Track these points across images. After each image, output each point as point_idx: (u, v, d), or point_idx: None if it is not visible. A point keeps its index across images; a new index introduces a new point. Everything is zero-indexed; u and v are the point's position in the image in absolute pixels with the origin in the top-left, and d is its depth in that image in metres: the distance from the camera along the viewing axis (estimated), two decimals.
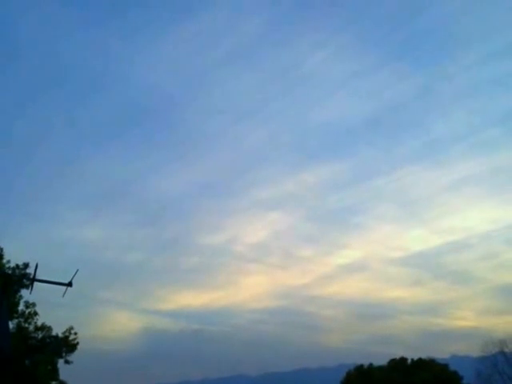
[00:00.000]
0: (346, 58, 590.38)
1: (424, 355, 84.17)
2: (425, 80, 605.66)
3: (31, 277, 20.63)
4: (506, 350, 67.51)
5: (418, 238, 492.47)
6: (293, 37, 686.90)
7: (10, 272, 38.55)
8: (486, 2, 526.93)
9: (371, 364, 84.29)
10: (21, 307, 40.95)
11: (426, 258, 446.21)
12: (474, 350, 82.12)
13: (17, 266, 39.90)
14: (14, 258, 40.17)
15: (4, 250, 39.84)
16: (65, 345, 42.36)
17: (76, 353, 42.95)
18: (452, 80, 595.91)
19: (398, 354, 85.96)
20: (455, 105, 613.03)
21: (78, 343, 42.91)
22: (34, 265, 19.85)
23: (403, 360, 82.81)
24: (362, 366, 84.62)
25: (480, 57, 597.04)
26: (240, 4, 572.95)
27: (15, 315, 40.19)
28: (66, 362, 42.67)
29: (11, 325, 38.60)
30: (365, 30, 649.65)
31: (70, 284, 20.70)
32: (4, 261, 39.65)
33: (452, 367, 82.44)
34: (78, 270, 20.67)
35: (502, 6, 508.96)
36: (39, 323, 42.05)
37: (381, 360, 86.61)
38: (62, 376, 43.13)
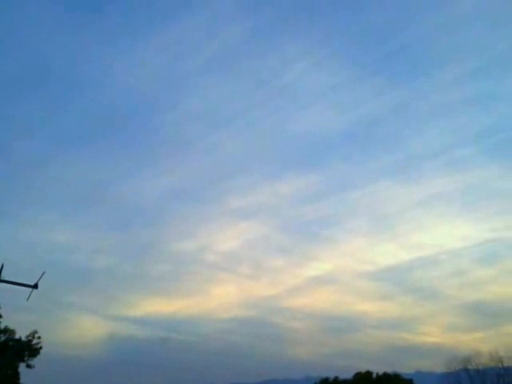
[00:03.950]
0: (324, 71, 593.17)
1: (389, 370, 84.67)
2: (401, 96, 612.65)
3: None
4: (470, 367, 68.66)
5: (388, 253, 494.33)
6: (273, 47, 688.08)
7: None
8: (462, 22, 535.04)
9: (337, 377, 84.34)
10: None
11: (396, 272, 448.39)
12: (438, 366, 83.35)
13: None
14: None
15: None
16: (27, 349, 41.55)
17: (39, 357, 42.23)
18: (428, 98, 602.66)
19: (363, 367, 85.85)
20: (430, 122, 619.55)
21: (41, 347, 42.20)
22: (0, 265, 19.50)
23: (368, 374, 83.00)
24: (327, 378, 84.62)
25: (455, 76, 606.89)
26: (222, 12, 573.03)
27: None
28: (28, 366, 41.86)
29: None
30: (344, 44, 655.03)
31: (35, 286, 20.33)
32: None
33: (416, 382, 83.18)
34: (44, 273, 20.34)
35: (479, 26, 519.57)
36: (2, 326, 41.24)
37: (346, 373, 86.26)
38: (24, 380, 42.31)
